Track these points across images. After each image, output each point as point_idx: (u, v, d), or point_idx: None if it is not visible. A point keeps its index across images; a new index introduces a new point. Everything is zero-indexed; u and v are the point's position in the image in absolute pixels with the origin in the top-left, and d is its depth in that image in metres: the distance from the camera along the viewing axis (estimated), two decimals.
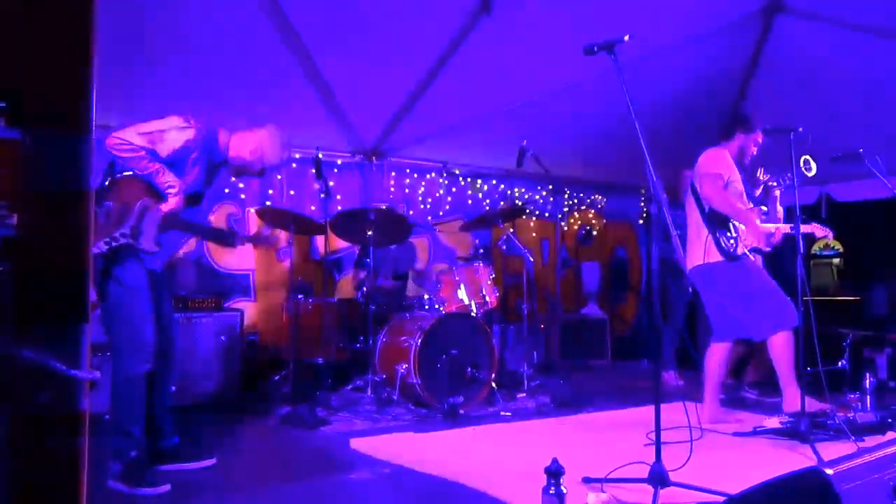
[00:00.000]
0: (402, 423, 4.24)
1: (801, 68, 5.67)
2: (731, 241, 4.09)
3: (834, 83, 5.62)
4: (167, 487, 2.94)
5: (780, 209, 4.34)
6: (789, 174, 4.08)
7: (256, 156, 3.30)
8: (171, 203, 3.10)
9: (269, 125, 3.39)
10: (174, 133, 3.07)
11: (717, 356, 4.22)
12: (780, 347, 3.99)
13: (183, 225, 3.30)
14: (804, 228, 3.99)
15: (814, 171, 3.77)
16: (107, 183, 3.04)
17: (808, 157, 3.70)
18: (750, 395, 5.25)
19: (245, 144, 3.30)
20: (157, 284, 3.21)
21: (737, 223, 4.12)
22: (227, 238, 3.88)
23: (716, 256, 4.09)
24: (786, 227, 4.17)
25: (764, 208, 4.28)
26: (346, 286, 6.30)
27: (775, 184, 4.26)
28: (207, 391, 4.83)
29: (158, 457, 3.24)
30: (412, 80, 5.36)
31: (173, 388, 4.68)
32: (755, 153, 4.32)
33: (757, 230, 4.09)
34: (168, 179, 3.07)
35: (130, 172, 3.03)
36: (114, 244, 3.01)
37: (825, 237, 4.31)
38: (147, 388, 3.12)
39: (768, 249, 4.23)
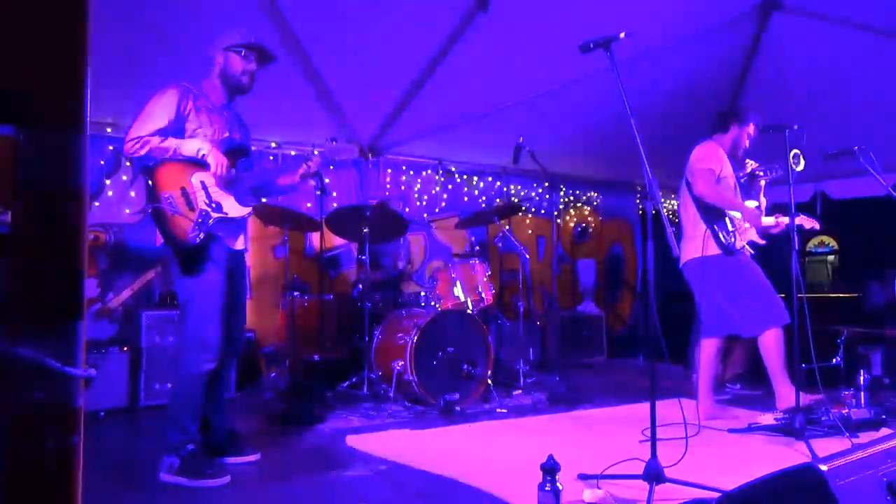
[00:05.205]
0: (398, 420, 4.24)
1: (797, 66, 5.67)
2: (730, 236, 4.11)
3: (830, 81, 5.64)
4: (228, 479, 2.96)
5: (763, 199, 4.35)
6: (777, 165, 4.09)
7: (227, 68, 3.30)
8: (215, 162, 3.08)
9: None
10: (162, 101, 3.10)
11: (708, 352, 4.22)
12: (771, 345, 4.00)
13: (249, 188, 3.32)
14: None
15: (802, 166, 3.76)
16: (150, 183, 3.04)
17: (797, 150, 3.70)
18: (735, 389, 5.26)
19: (216, 65, 3.30)
20: (237, 267, 3.26)
21: (734, 216, 4.13)
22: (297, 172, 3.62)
23: (713, 250, 4.10)
24: (784, 219, 4.17)
25: (756, 203, 4.28)
26: (342, 283, 6.30)
27: (761, 173, 4.27)
28: None
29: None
30: (408, 77, 5.35)
31: (168, 385, 4.69)
32: (748, 146, 4.34)
33: (755, 219, 4.11)
34: (194, 146, 3.07)
35: (162, 161, 3.04)
36: (207, 222, 3.03)
37: (812, 228, 4.32)
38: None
39: (764, 242, 4.24)
